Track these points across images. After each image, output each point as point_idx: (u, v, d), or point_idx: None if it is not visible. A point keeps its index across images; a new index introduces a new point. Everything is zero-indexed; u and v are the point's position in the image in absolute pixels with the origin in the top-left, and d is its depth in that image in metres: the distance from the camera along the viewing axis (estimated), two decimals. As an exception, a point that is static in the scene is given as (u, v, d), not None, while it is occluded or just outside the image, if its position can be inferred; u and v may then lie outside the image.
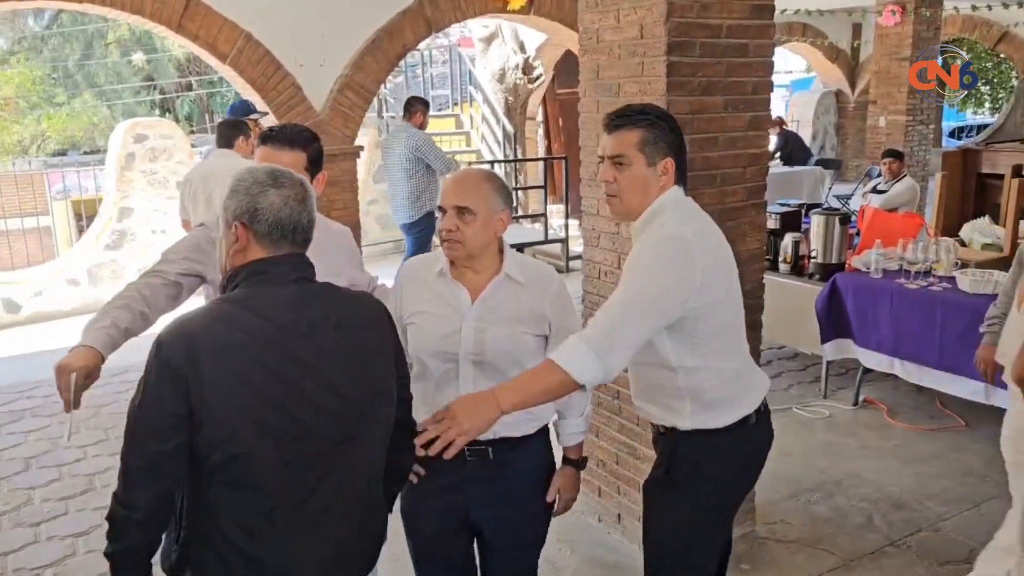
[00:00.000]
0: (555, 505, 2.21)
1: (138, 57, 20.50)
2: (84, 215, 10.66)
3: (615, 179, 2.03)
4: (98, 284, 7.75)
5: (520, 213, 9.89)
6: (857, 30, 14.05)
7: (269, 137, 2.27)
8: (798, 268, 5.00)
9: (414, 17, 7.24)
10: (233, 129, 5.07)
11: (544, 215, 8.90)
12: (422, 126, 6.90)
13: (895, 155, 7.25)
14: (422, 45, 10.78)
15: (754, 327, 3.19)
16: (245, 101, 6.44)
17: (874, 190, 7.33)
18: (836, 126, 15.10)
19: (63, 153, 18.89)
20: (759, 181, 3.16)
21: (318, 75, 6.85)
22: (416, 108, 6.92)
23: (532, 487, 2.16)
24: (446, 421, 1.73)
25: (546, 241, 8.80)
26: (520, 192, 10.27)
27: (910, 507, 3.60)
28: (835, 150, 14.93)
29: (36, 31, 19.92)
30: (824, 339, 4.57)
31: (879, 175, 7.62)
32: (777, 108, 17.33)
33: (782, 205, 5.60)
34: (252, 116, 5.82)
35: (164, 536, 1.61)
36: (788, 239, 5.05)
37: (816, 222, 4.92)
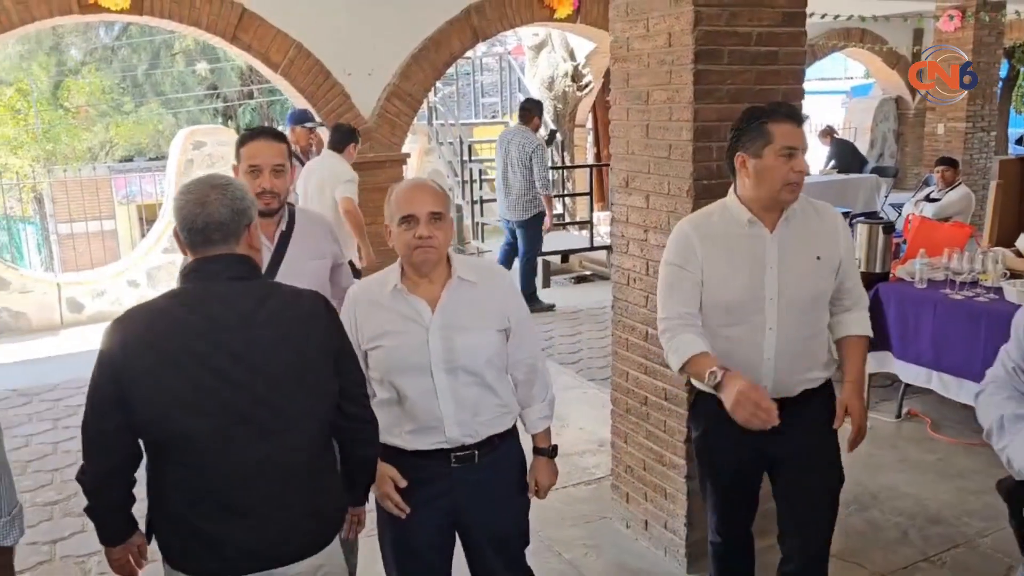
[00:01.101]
0: (537, 495, 2.29)
1: (202, 67, 21.12)
2: (144, 219, 11.04)
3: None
4: (156, 285, 8.01)
5: (567, 220, 9.91)
6: (918, 36, 13.71)
7: (259, 133, 2.58)
8: (841, 277, 4.90)
9: (461, 26, 7.35)
10: (350, 136, 5.56)
11: (590, 222, 8.91)
12: (537, 128, 6.95)
13: (949, 163, 7.08)
14: (477, 52, 10.91)
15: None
16: (304, 109, 6.61)
17: (927, 198, 7.16)
18: (896, 133, 14.73)
19: (129, 159, 19.58)
20: (790, 189, 3.13)
21: (366, 84, 7.01)
22: (532, 113, 6.93)
23: (514, 481, 2.22)
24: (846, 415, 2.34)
25: (592, 248, 8.81)
26: (567, 199, 10.29)
27: (948, 522, 3.52)
28: (894, 158, 14.57)
29: (107, 42, 20.69)
30: (862, 349, 4.49)
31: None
32: (835, 115, 17.00)
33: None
34: (308, 124, 6.01)
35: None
36: (831, 248, 4.96)
37: (860, 231, 4.82)
